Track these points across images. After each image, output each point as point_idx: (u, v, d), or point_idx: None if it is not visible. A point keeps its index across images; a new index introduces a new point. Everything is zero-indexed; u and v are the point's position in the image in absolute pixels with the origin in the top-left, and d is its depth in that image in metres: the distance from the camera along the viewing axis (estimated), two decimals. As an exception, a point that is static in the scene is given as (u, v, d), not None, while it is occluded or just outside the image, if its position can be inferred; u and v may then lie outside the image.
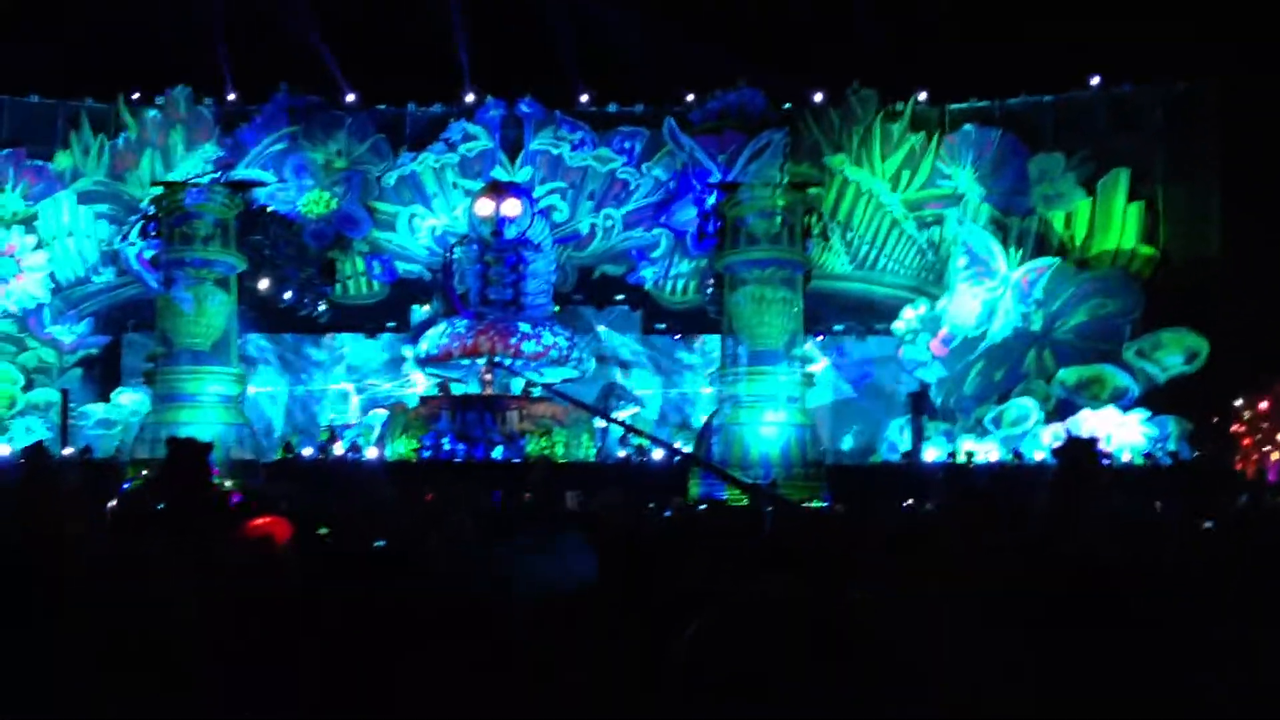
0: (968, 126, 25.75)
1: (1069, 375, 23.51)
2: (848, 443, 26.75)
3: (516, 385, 24.06)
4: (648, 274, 26.91)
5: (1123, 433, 22.50)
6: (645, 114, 27.21)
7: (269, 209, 25.38)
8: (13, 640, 2.99)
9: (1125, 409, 23.00)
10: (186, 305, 22.88)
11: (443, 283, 25.90)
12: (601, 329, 26.36)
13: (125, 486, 12.04)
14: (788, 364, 22.79)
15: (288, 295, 25.89)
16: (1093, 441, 8.42)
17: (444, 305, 25.69)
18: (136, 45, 25.12)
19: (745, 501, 16.13)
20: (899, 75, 25.69)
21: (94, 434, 24.89)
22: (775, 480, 20.20)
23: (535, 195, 25.87)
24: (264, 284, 24.97)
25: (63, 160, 26.41)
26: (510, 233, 24.43)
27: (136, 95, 26.95)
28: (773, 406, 22.55)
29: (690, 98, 26.80)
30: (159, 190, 24.19)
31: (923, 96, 26.19)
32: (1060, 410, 23.04)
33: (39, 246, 26.05)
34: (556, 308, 26.00)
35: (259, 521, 4.64)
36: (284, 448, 23.95)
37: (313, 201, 26.04)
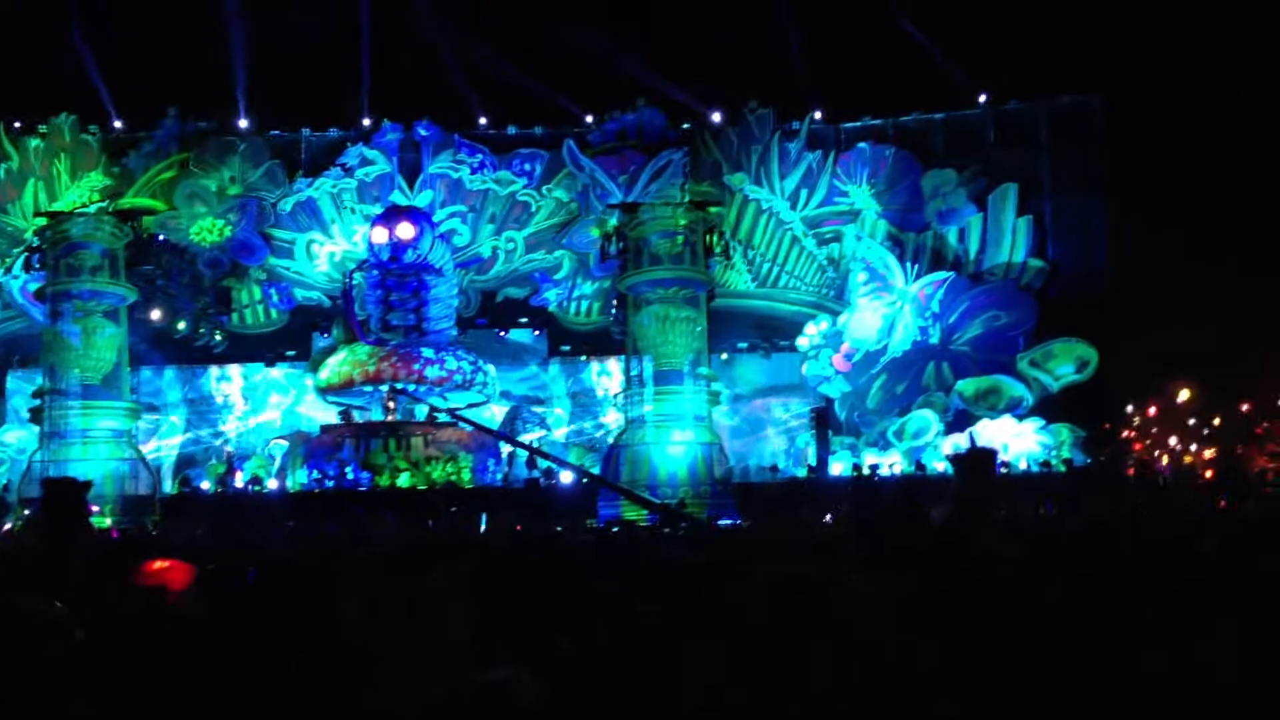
0: (862, 144, 26.25)
1: (967, 386, 24.02)
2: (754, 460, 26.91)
3: (420, 412, 23.70)
4: (551, 296, 26.82)
5: (1019, 441, 23.03)
6: (544, 136, 27.17)
7: (160, 238, 24.70)
8: None
9: (1020, 418, 23.56)
10: (74, 338, 22.16)
11: (343, 309, 25.47)
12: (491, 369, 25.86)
13: (5, 527, 11.57)
14: (693, 383, 22.89)
15: (182, 326, 25.21)
16: (992, 452, 8.60)
17: (345, 332, 25.25)
18: (17, 72, 24.37)
19: (644, 519, 16.15)
20: (795, 95, 26.11)
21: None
22: (683, 500, 20.23)
23: (436, 219, 25.62)
24: (157, 315, 24.27)
25: (-60, 192, 25.45)
26: (410, 257, 24.14)
27: (18, 124, 26.09)
28: (679, 425, 22.62)
29: (589, 119, 26.85)
30: (43, 221, 23.43)
31: (818, 115, 26.61)
32: (959, 421, 23.51)
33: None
34: (457, 332, 25.73)
35: (153, 566, 4.42)
36: (182, 481, 23.29)
37: (206, 229, 25.44)
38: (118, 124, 26.31)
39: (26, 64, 24.26)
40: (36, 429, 22.88)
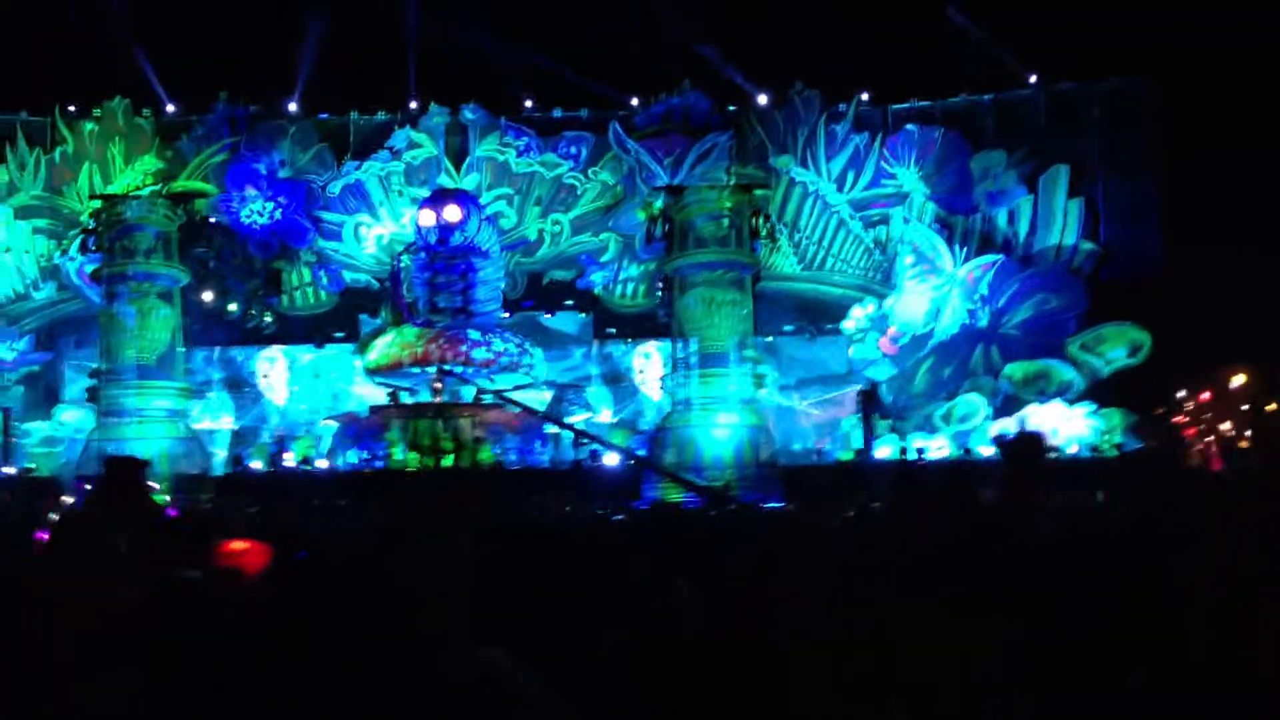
0: (910, 126, 26.03)
1: (1015, 370, 23.81)
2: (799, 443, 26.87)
3: (468, 393, 23.87)
4: (597, 278, 26.90)
5: (1069, 426, 22.81)
6: (590, 119, 27.18)
7: (212, 220, 25.05)
8: None
9: (1071, 403, 23.32)
10: (129, 320, 22.58)
11: (391, 291, 25.69)
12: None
13: (67, 502, 11.85)
14: (738, 365, 22.90)
15: (233, 308, 25.57)
16: (1039, 435, 8.53)
17: (392, 314, 25.47)
18: (73, 58, 24.76)
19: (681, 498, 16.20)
20: (841, 76, 25.92)
21: (38, 452, 24.39)
22: (729, 483, 20.25)
23: (482, 202, 25.75)
24: (208, 297, 24.64)
25: (-1, 175, 25.95)
26: (457, 240, 24.28)
27: (73, 108, 26.50)
28: (724, 408, 22.64)
29: (635, 102, 26.82)
30: (98, 204, 23.88)
31: (865, 97, 26.40)
32: (1007, 405, 23.33)
33: (-23, 263, 25.55)
34: (506, 314, 25.89)
35: (230, 547, 4.36)
36: (234, 460, 23.64)
37: (256, 212, 25.75)
38: (170, 108, 26.65)
39: (80, 49, 24.62)
40: (92, 409, 23.37)
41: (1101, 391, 23.53)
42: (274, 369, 27.23)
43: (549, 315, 27.30)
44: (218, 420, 26.23)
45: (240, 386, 27.09)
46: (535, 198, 26.85)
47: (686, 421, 22.69)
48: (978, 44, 24.56)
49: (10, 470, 22.31)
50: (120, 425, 22.03)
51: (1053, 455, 21.19)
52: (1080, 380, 23.63)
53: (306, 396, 27.10)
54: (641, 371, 27.16)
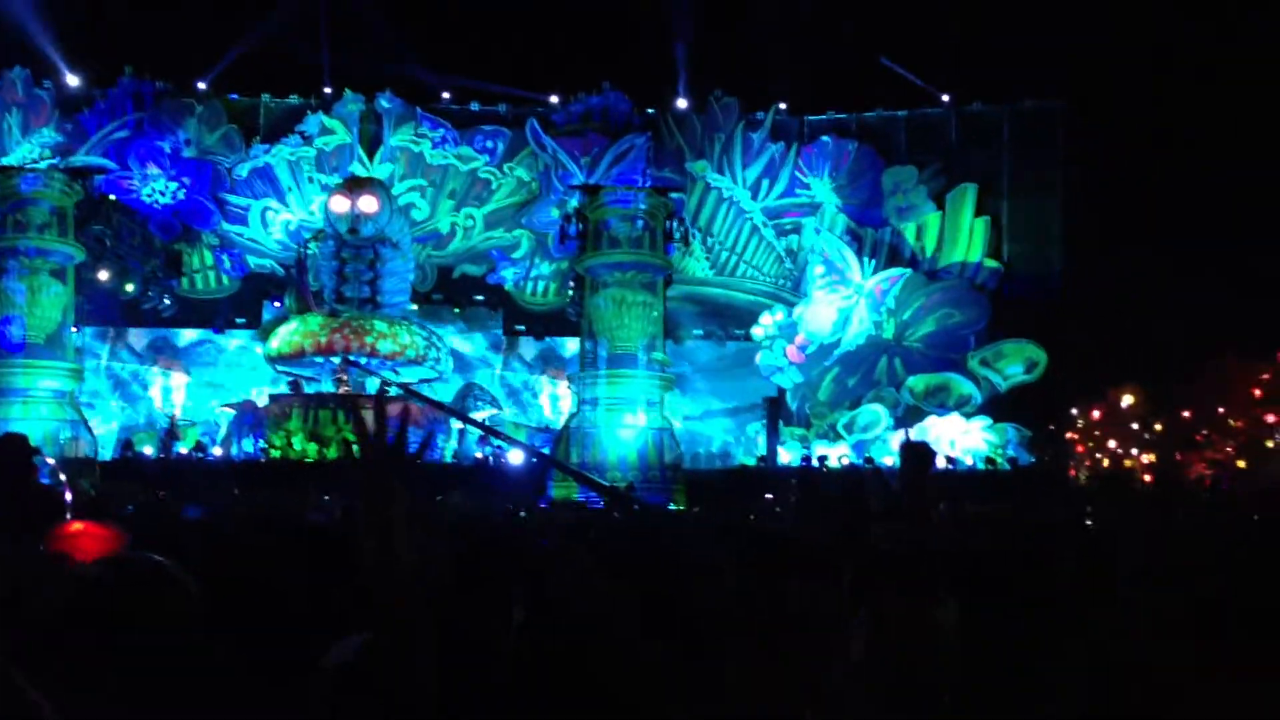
0: (825, 138, 26.36)
1: (917, 383, 24.26)
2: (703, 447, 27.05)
3: (372, 385, 23.52)
4: (508, 274, 26.71)
5: (966, 439, 23.32)
6: (508, 114, 26.98)
7: (111, 198, 24.26)
8: None
9: (969, 416, 23.84)
10: (19, 296, 21.76)
11: (296, 278, 25.17)
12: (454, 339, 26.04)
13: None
14: (646, 367, 22.95)
15: (130, 288, 24.80)
16: (926, 445, 8.70)
17: (297, 302, 24.96)
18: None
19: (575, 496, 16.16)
20: (760, 85, 26.16)
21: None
22: (632, 484, 20.28)
23: (394, 192, 25.38)
24: (105, 275, 23.85)
25: (-114, 142, 24.79)
26: (367, 229, 23.90)
27: (-33, 77, 25.48)
28: (631, 409, 22.66)
29: (554, 99, 26.70)
30: (-10, 174, 22.94)
31: (783, 106, 26.68)
32: (908, 416, 23.75)
33: None
34: (414, 306, 25.56)
35: (70, 528, 3.99)
36: (124, 445, 22.94)
37: (159, 191, 25.02)
38: (72, 80, 25.74)
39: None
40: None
41: (998, 406, 24.10)
42: (173, 385, 26.58)
43: (460, 321, 27.07)
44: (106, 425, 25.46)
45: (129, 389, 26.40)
46: (449, 190, 26.56)
47: (593, 421, 22.66)
48: (895, 56, 24.97)
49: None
50: (6, 404, 21.22)
51: (948, 466, 21.67)
52: (979, 394, 24.18)
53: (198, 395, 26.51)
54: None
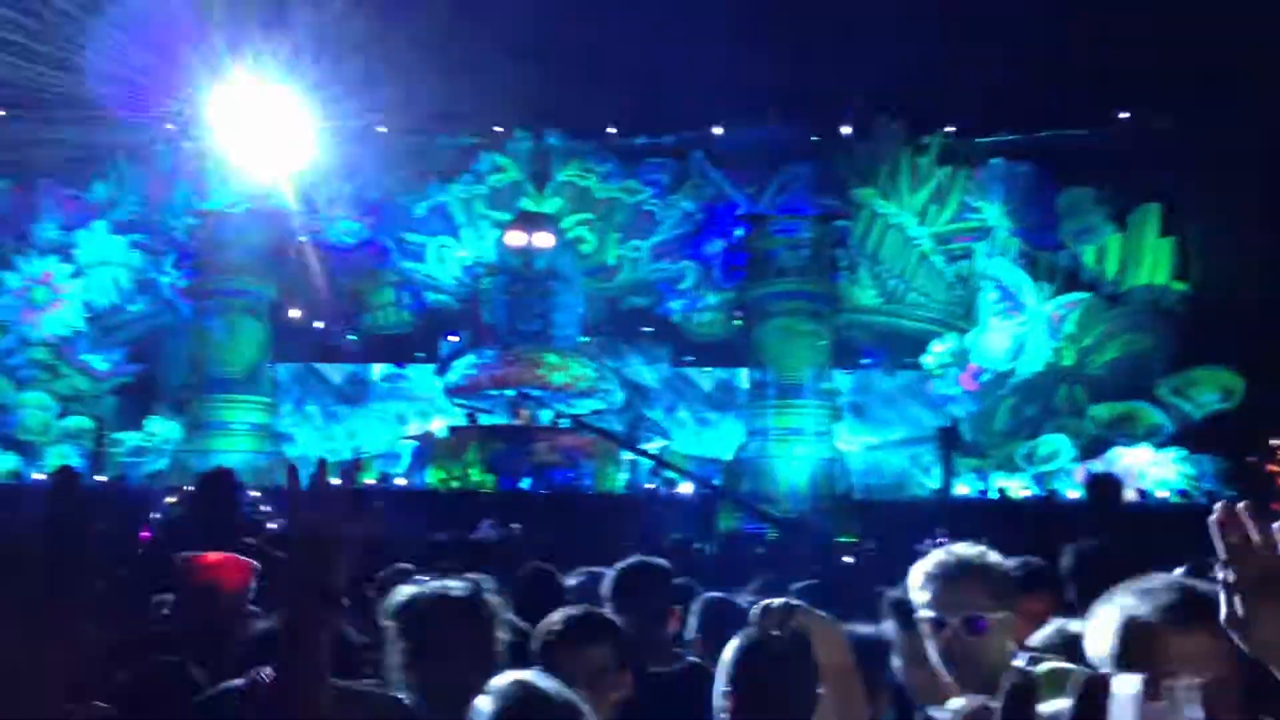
0: (996, 160, 25.72)
1: (1101, 411, 23.32)
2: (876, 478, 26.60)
3: (545, 416, 24.07)
4: (675, 306, 26.95)
5: (1157, 470, 22.28)
6: (673, 146, 27.29)
7: (301, 239, 25.58)
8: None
9: (1159, 446, 22.78)
10: (219, 334, 23.14)
11: (471, 313, 26.00)
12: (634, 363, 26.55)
13: (157, 515, 12.16)
14: (815, 396, 22.80)
15: (318, 324, 26.07)
16: (1116, 478, 8.38)
17: (472, 336, 25.78)
18: (172, 73, 25.40)
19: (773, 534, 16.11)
20: (927, 109, 25.70)
21: (127, 461, 25.03)
22: (803, 515, 20.13)
23: (563, 226, 25.97)
24: (295, 313, 25.14)
25: (99, 190, 26.72)
26: (539, 264, 24.52)
27: (172, 125, 27.24)
28: (800, 439, 22.54)
29: (718, 130, 26.87)
30: (193, 220, 24.56)
31: (950, 130, 26.17)
32: (1093, 447, 22.85)
33: (74, 275, 26.32)
34: (585, 339, 26.05)
35: (207, 559, 4.06)
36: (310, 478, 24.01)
37: (344, 232, 26.25)
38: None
39: (178, 64, 25.22)
40: (181, 420, 23.96)
41: (1191, 436, 22.94)
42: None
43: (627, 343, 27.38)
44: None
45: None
46: (615, 223, 27.01)
47: (762, 452, 22.62)
48: (1069, 74, 24.18)
49: (102, 478, 22.89)
50: (208, 437, 22.56)
51: (1139, 499, 20.74)
52: (1169, 423, 23.08)
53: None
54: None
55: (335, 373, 28.21)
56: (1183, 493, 21.78)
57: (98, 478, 22.33)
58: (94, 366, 26.41)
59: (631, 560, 4.26)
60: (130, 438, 25.74)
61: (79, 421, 25.39)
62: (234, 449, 21.97)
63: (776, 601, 2.78)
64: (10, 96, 25.34)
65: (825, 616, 2.84)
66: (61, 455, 23.84)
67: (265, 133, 27.17)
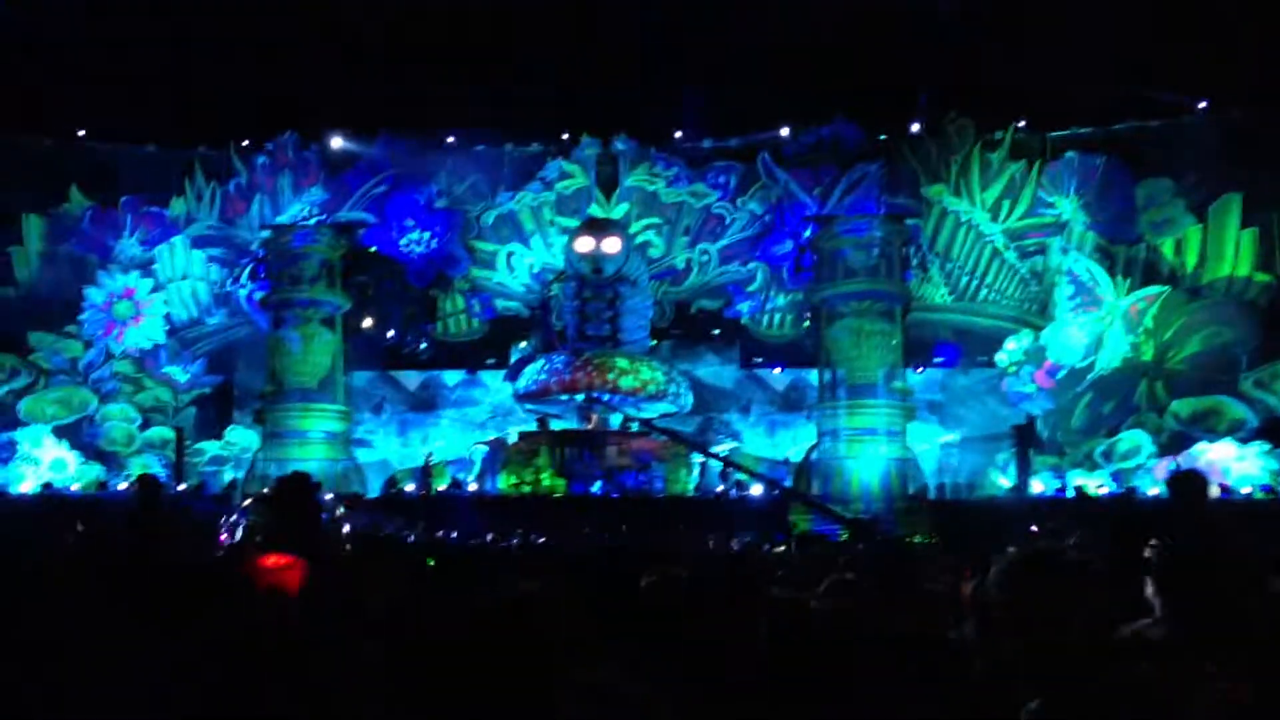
0: (1070, 153, 25.23)
1: (1183, 407, 22.76)
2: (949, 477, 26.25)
3: (615, 420, 24.18)
4: (744, 308, 26.86)
5: (1242, 466, 21.68)
6: (740, 148, 27.22)
7: (372, 249, 26.00)
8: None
9: (1244, 442, 22.16)
10: (294, 344, 23.60)
11: (541, 319, 26.19)
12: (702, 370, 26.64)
13: (235, 519, 12.43)
14: (887, 396, 22.58)
15: (391, 333, 26.45)
16: (1200, 474, 8.14)
17: (542, 342, 25.97)
18: (246, 93, 25.98)
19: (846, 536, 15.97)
20: (998, 103, 25.31)
21: (207, 470, 25.64)
22: (876, 516, 19.92)
23: (631, 231, 26.05)
24: (368, 323, 25.54)
25: (177, 206, 27.41)
26: (608, 269, 24.63)
27: (246, 143, 27.85)
28: (872, 439, 22.32)
29: (785, 131, 26.74)
30: (268, 234, 25.12)
31: (1022, 124, 25.74)
32: (1175, 443, 22.31)
33: (155, 290, 27.05)
34: (654, 342, 26.09)
35: (269, 561, 4.07)
36: (388, 483, 24.38)
37: (414, 241, 26.60)
38: (335, 142, 27.70)
39: (250, 86, 25.79)
40: (259, 429, 24.47)
41: (1277, 430, 22.28)
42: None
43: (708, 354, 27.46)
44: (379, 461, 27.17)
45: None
46: (683, 227, 27.00)
47: (834, 453, 22.45)
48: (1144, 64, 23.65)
49: (183, 486, 23.47)
50: (284, 446, 23.02)
51: (1223, 495, 20.18)
52: (1254, 418, 22.45)
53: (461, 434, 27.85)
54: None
55: (408, 380, 28.61)
56: (1268, 488, 21.16)
57: (179, 486, 22.92)
58: (175, 378, 27.13)
59: None
60: (210, 447, 26.38)
61: (161, 432, 26.11)
62: (310, 457, 22.36)
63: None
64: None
65: None
66: (144, 465, 24.52)
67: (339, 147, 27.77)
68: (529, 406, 25.13)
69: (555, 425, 24.51)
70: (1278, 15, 21.76)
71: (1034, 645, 2.22)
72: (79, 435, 25.90)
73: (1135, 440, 22.85)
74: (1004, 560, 2.40)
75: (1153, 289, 23.93)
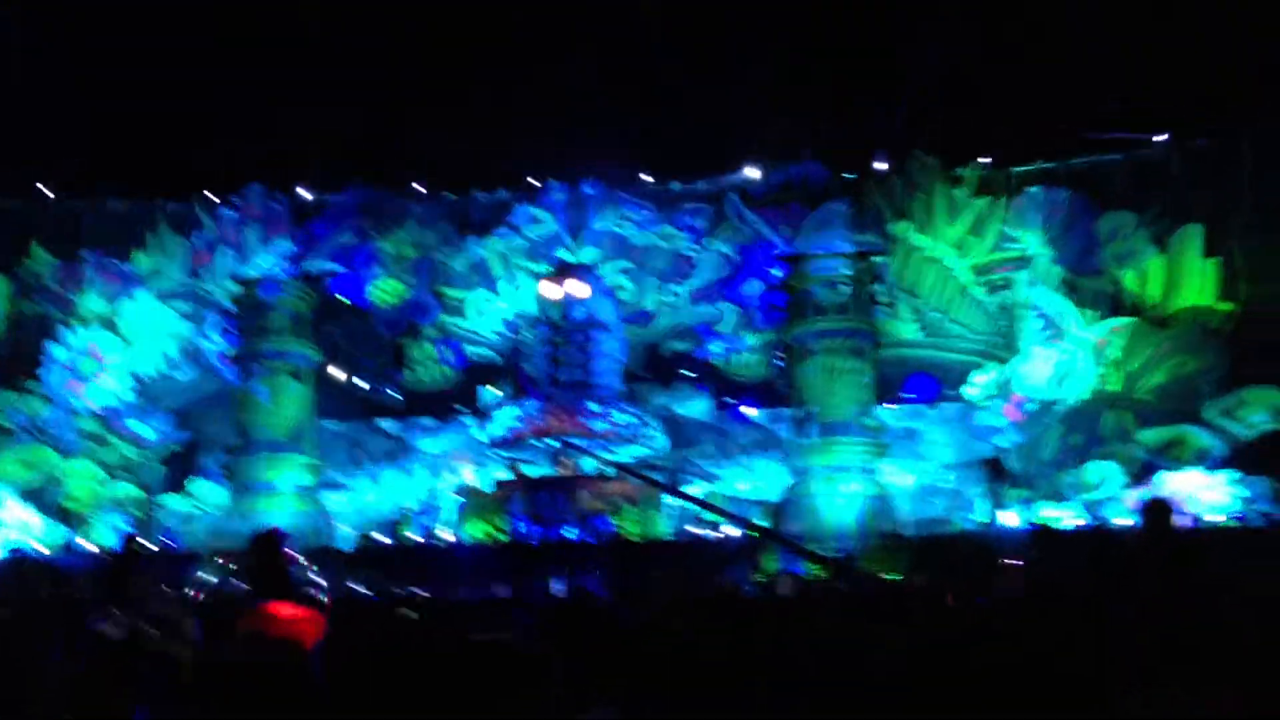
0: (1034, 189, 25.53)
1: (1150, 436, 22.92)
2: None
3: (588, 465, 24.05)
4: (715, 348, 26.90)
5: (1209, 494, 21.82)
6: (708, 190, 27.37)
7: (342, 299, 25.89)
8: None
9: (1211, 469, 22.33)
10: (263, 397, 23.39)
11: (512, 365, 26.12)
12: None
13: (202, 577, 12.26)
14: (859, 433, 22.61)
15: (362, 383, 26.28)
16: (1168, 502, 8.18)
17: (513, 388, 25.88)
18: (211, 145, 25.92)
19: (823, 575, 15.89)
20: (961, 141, 25.62)
21: (174, 526, 25.25)
22: (851, 554, 19.86)
23: (600, 274, 26.07)
24: (338, 372, 25.38)
25: (141, 260, 27.22)
26: (578, 313, 24.63)
27: (211, 194, 27.74)
28: (846, 477, 22.32)
29: (752, 172, 26.92)
30: (235, 286, 24.96)
31: (986, 161, 26.05)
32: (1142, 473, 22.44)
33: (120, 346, 26.75)
34: (623, 387, 26.04)
35: (283, 611, 3.93)
36: (362, 537, 24.12)
37: (384, 290, 26.51)
38: (303, 192, 27.62)
39: (216, 137, 25.75)
40: (228, 484, 24.18)
41: (1244, 458, 22.47)
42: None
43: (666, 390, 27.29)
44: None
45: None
46: (653, 269, 27.07)
47: (808, 491, 22.42)
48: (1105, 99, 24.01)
49: (152, 546, 23.10)
50: (253, 498, 22.73)
51: (1190, 523, 20.28)
52: (1220, 446, 22.63)
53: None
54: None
55: (379, 429, 28.32)
56: (1238, 516, 21.29)
57: (148, 545, 22.53)
58: (142, 435, 26.76)
59: None
60: (175, 502, 26.00)
61: (127, 489, 25.70)
62: (279, 509, 22.11)
63: None
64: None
65: None
66: (109, 524, 24.15)
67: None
68: (502, 453, 24.98)
69: (528, 471, 24.37)
70: (1234, 49, 22.22)
71: None
72: (43, 497, 25.45)
73: (1104, 471, 22.96)
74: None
75: (1119, 320, 24.16)
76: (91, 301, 26.92)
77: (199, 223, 27.55)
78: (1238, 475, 22.14)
